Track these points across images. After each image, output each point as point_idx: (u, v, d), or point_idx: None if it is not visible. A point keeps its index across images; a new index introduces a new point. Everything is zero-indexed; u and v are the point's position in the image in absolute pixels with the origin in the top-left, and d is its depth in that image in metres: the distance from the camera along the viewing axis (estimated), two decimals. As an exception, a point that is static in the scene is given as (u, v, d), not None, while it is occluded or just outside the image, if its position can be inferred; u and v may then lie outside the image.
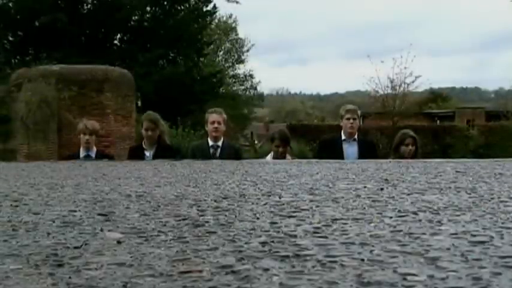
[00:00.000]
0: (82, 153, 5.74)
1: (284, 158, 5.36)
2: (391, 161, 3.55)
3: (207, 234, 1.04)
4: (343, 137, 5.53)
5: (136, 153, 5.52)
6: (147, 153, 5.44)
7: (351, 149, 5.55)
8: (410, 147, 5.37)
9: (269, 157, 5.46)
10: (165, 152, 5.39)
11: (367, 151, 5.50)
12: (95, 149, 5.83)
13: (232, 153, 5.51)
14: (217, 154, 5.47)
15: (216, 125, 5.50)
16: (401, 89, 22.29)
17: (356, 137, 5.59)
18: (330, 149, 5.48)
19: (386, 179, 2.15)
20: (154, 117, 5.63)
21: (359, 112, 5.77)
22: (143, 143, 5.56)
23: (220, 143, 5.53)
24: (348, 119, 5.51)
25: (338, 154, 5.37)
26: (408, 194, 1.65)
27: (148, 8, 19.62)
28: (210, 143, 5.52)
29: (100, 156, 5.68)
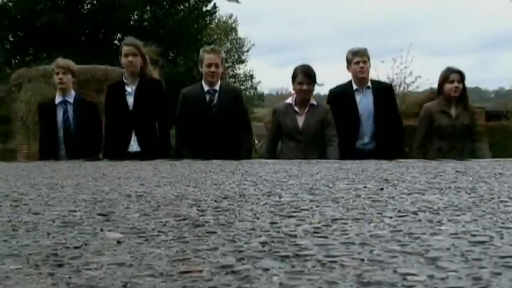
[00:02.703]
0: (57, 99, 4.89)
1: (308, 99, 4.68)
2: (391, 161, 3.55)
3: (207, 234, 1.04)
4: (354, 87, 4.78)
5: (116, 91, 4.81)
6: (129, 89, 4.74)
7: (365, 100, 4.76)
8: (456, 84, 4.73)
9: (290, 100, 4.81)
10: (150, 86, 4.75)
11: (385, 98, 4.79)
12: (72, 92, 4.93)
13: (232, 98, 4.79)
14: (215, 100, 4.72)
15: (213, 68, 4.66)
16: (401, 89, 22.28)
17: (369, 83, 4.80)
18: (341, 102, 4.77)
19: (386, 179, 2.15)
20: (135, 41, 4.85)
21: (369, 54, 4.92)
22: (123, 78, 4.80)
23: (217, 87, 4.72)
24: (357, 62, 4.72)
25: (351, 107, 4.73)
26: (408, 194, 1.65)
27: (148, 8, 19.63)
28: (205, 87, 4.71)
29: (80, 102, 4.92)
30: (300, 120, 4.71)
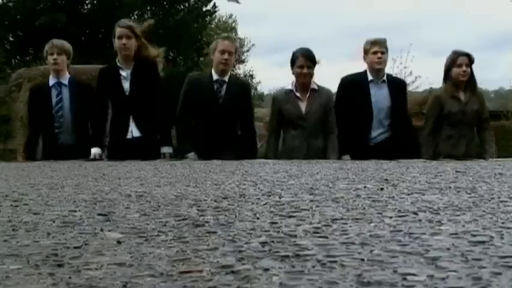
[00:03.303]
0: (51, 81, 4.64)
1: (309, 83, 4.50)
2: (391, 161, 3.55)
3: (207, 234, 1.04)
4: (369, 77, 4.56)
5: (108, 75, 4.54)
6: (124, 73, 4.45)
7: (380, 93, 4.55)
8: (464, 68, 4.52)
9: (290, 85, 4.59)
10: (145, 69, 4.46)
11: (399, 94, 4.64)
12: (67, 74, 4.67)
13: (240, 91, 4.58)
14: (223, 92, 4.47)
15: (226, 55, 4.42)
16: (401, 88, 22.27)
17: (385, 77, 4.61)
18: (354, 92, 4.55)
19: (386, 179, 2.15)
20: (129, 23, 4.55)
21: (388, 45, 4.66)
22: (117, 61, 4.52)
23: (226, 78, 4.50)
24: (375, 52, 4.49)
25: (364, 99, 4.51)
26: (408, 194, 1.65)
27: (148, 8, 19.62)
28: (215, 76, 4.48)
29: (75, 85, 4.65)
30: (303, 106, 4.52)
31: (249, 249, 0.90)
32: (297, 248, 0.91)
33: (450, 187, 1.83)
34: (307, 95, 4.54)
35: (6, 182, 2.31)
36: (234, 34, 36.72)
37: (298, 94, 4.54)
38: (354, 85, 4.61)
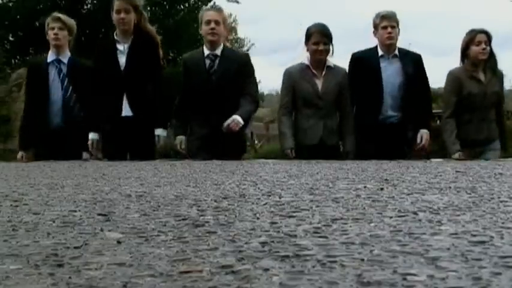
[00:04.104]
0: (50, 58, 4.34)
1: (325, 60, 4.26)
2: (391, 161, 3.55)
3: (207, 234, 1.04)
4: (380, 53, 4.34)
5: (106, 49, 4.30)
6: (120, 47, 4.21)
7: (391, 69, 4.32)
8: (483, 45, 4.23)
9: (306, 59, 4.29)
10: (144, 44, 4.20)
11: (414, 69, 4.32)
12: (68, 52, 4.37)
13: (237, 66, 4.16)
14: (215, 66, 4.15)
15: (212, 25, 4.08)
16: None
17: (397, 52, 4.35)
18: (364, 68, 4.34)
19: (386, 179, 2.15)
20: None
21: (398, 20, 4.39)
22: (115, 35, 4.27)
23: (219, 52, 4.16)
24: (385, 27, 4.26)
25: (375, 76, 4.29)
26: (408, 194, 1.65)
27: (148, 8, 19.62)
28: (206, 51, 4.18)
29: (74, 64, 4.35)
30: (319, 84, 4.28)
31: (249, 249, 0.91)
32: (297, 248, 0.91)
33: (450, 187, 1.83)
34: (323, 73, 4.30)
35: (6, 182, 2.31)
36: (234, 34, 36.77)
37: (314, 71, 4.29)
38: (364, 61, 4.39)
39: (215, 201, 1.55)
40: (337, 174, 2.41)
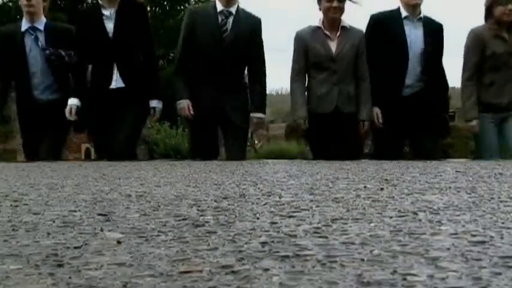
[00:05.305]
0: (24, 26, 4.04)
1: (339, 19, 3.99)
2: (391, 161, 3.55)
3: (207, 234, 1.04)
4: (403, 14, 3.98)
5: (90, 15, 4.09)
6: (106, 12, 3.94)
7: (415, 32, 3.98)
8: (510, 6, 3.95)
9: (319, 22, 4.03)
10: (132, 9, 3.97)
11: (436, 38, 4.05)
12: (43, 18, 4.07)
13: (250, 28, 3.93)
14: (229, 25, 3.85)
15: None
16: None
17: (421, 15, 4.02)
18: (386, 31, 4.00)
19: (386, 179, 2.15)
20: None
21: None
22: (99, 0, 4.01)
23: (234, 10, 3.86)
24: None
25: (398, 38, 3.95)
26: (408, 194, 1.65)
27: (148, 8, 19.63)
28: (219, 7, 3.85)
29: (53, 30, 4.07)
30: (333, 46, 3.98)
31: (249, 249, 0.90)
32: (297, 248, 0.91)
33: (450, 187, 1.83)
34: (338, 34, 3.99)
35: (6, 182, 2.31)
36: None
37: (327, 32, 4.00)
38: (385, 23, 4.01)
39: (215, 201, 1.55)
40: (337, 174, 2.41)
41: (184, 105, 4.02)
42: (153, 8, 19.73)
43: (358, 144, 4.25)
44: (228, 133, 4.12)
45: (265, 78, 4.13)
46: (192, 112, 4.03)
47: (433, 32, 4.07)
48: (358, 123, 4.09)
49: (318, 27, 4.03)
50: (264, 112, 4.15)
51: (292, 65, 4.17)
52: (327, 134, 4.09)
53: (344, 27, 4.02)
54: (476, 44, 4.10)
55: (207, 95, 3.96)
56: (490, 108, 4.17)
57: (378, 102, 4.07)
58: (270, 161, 3.92)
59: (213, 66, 3.89)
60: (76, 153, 10.92)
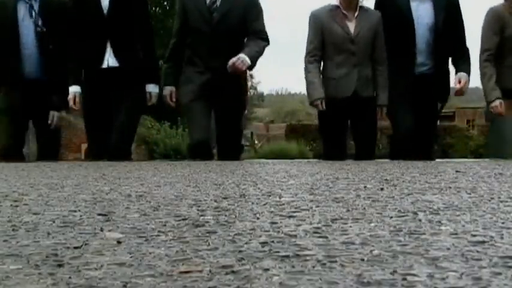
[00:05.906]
0: None
1: (357, 0, 3.83)
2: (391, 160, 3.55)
3: (207, 234, 1.04)
4: None
5: None
6: None
7: (422, 8, 3.79)
8: None
9: (334, 1, 3.87)
10: None
11: (448, 12, 3.79)
12: None
13: (244, 5, 3.78)
14: (218, 2, 3.73)
15: None
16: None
17: None
18: (391, 8, 3.84)
19: (386, 179, 2.15)
20: None
21: None
22: None
23: None
24: None
25: (404, 15, 3.78)
26: (408, 194, 1.65)
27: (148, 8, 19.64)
28: None
29: (46, 2, 3.91)
30: (351, 27, 3.80)
31: (249, 249, 0.90)
32: (297, 248, 0.91)
33: (450, 187, 1.83)
34: (356, 14, 3.82)
35: (6, 182, 2.31)
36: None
37: (345, 12, 3.83)
38: (391, 0, 3.85)
39: (215, 201, 1.55)
40: (337, 174, 2.41)
41: (168, 92, 3.96)
42: (153, 8, 19.73)
43: (375, 135, 4.06)
44: (220, 114, 3.98)
45: (264, 44, 3.93)
46: (174, 100, 3.97)
47: (446, 6, 3.83)
48: (376, 109, 3.95)
49: (337, 7, 3.86)
50: (253, 62, 3.82)
51: (306, 46, 4.00)
52: (343, 123, 3.91)
53: (362, 8, 3.89)
54: (495, 24, 3.88)
55: (197, 81, 3.87)
56: (510, 94, 3.94)
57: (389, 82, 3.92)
58: (270, 161, 3.92)
59: (204, 48, 3.79)
60: (76, 153, 10.93)
